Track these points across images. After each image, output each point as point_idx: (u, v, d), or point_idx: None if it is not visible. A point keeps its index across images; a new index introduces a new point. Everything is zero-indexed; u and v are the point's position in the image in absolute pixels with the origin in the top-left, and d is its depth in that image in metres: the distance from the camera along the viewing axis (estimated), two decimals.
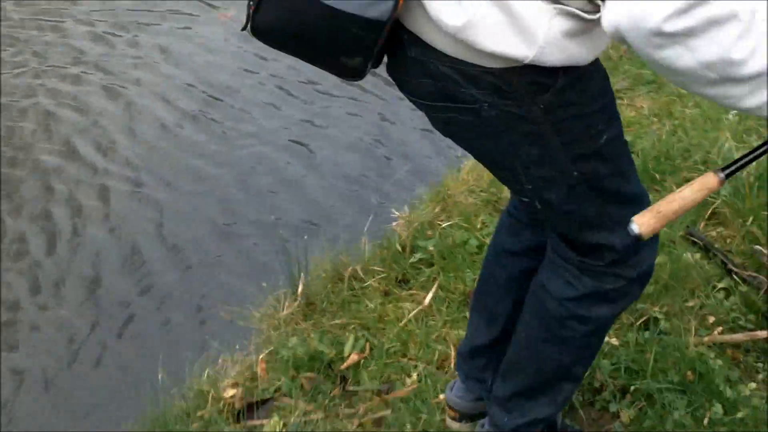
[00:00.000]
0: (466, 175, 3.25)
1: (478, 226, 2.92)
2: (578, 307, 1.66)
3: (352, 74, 1.44)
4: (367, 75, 1.45)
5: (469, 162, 3.34)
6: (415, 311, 2.60)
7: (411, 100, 1.54)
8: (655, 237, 1.64)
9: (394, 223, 3.10)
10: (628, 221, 1.51)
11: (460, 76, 1.38)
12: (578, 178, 1.48)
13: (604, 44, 1.40)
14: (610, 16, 1.18)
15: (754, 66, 1.18)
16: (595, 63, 1.44)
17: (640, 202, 1.57)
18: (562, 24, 1.29)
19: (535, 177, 1.50)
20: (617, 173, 1.54)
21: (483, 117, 1.41)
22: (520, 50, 1.30)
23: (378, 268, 2.82)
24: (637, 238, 1.28)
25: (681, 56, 1.16)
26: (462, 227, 2.93)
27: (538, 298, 1.74)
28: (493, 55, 1.32)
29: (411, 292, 2.72)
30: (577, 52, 1.34)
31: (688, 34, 1.13)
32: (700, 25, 1.13)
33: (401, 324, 2.56)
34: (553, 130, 1.42)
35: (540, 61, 1.31)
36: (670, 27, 1.12)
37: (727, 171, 1.26)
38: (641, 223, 1.22)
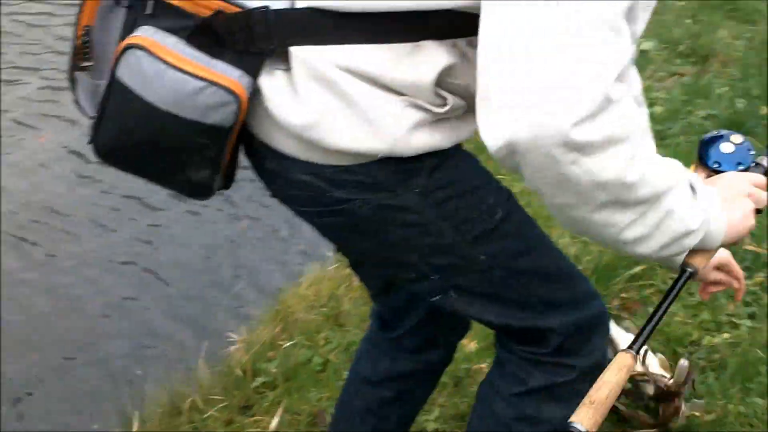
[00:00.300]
0: (306, 290, 3.23)
1: (322, 343, 2.89)
2: (527, 404, 1.56)
3: (200, 191, 1.39)
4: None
5: (308, 277, 3.32)
6: None
7: (293, 211, 1.49)
8: (603, 322, 1.57)
9: (232, 347, 3.02)
10: (560, 299, 1.48)
11: (320, 180, 1.34)
12: (487, 261, 1.42)
13: (467, 132, 1.36)
14: (502, 131, 1.09)
15: (643, 191, 1.16)
16: (458, 146, 1.38)
17: (571, 277, 1.53)
18: (413, 116, 1.27)
19: (440, 267, 1.42)
20: (532, 248, 1.48)
21: (361, 216, 1.36)
22: (372, 145, 1.27)
23: (218, 396, 2.72)
24: None
25: (578, 175, 1.10)
26: (305, 345, 2.90)
27: (485, 400, 1.66)
28: (346, 153, 1.29)
29: (255, 418, 2.62)
30: (433, 141, 1.31)
31: (588, 150, 1.08)
32: (600, 141, 1.08)
33: None
34: (438, 214, 1.37)
35: (394, 153, 1.29)
36: (578, 135, 1.06)
37: (635, 347, 1.26)
38: (582, 420, 1.16)
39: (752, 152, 1.44)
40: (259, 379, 2.77)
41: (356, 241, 1.47)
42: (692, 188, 1.26)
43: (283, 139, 1.33)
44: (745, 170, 1.42)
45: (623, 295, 2.87)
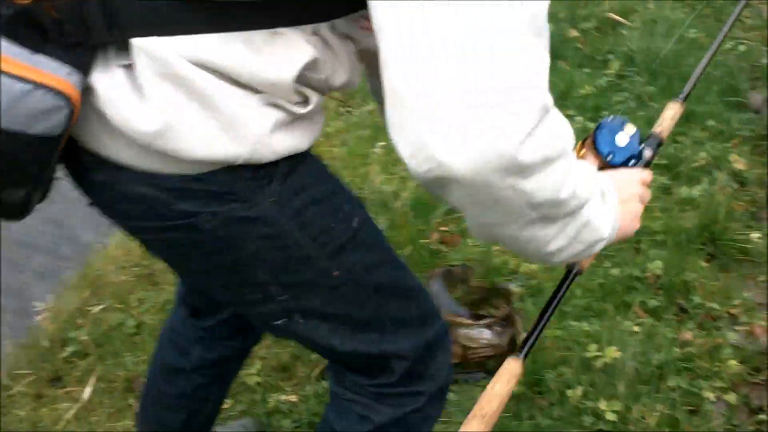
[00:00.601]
0: (115, 250, 3.14)
1: (135, 305, 2.83)
2: None
3: (14, 212, 1.20)
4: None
5: (117, 237, 3.23)
6: (73, 410, 2.47)
7: (121, 227, 1.35)
8: (447, 339, 1.52)
9: (38, 317, 2.92)
10: (410, 317, 1.42)
11: (162, 192, 1.20)
12: (341, 277, 1.33)
13: (319, 130, 1.28)
14: (437, 155, 0.97)
15: (571, 204, 1.12)
16: (310, 148, 1.30)
17: (419, 294, 1.47)
18: (273, 116, 1.16)
19: (290, 284, 1.32)
20: (385, 261, 1.41)
21: (206, 230, 1.22)
22: (231, 151, 1.15)
23: (25, 371, 2.63)
24: None
25: (513, 198, 1.03)
26: (116, 309, 2.83)
27: None
28: (198, 161, 1.16)
29: (67, 389, 2.56)
30: (294, 143, 1.21)
31: (527, 172, 1.01)
32: (539, 161, 1.01)
33: (59, 428, 2.41)
34: (295, 224, 1.26)
35: (255, 159, 1.17)
36: (522, 155, 0.98)
37: (524, 351, 1.26)
38: None
39: (641, 144, 1.45)
40: (69, 349, 2.69)
41: (198, 260, 1.32)
42: (602, 194, 1.25)
43: (120, 148, 1.18)
44: (635, 164, 1.43)
45: (442, 228, 2.94)
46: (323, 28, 1.18)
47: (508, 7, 0.95)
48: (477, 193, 1.02)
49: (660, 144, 1.49)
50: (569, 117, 3.20)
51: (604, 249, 2.45)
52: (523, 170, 1.00)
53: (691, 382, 2.27)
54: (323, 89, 1.23)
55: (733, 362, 2.33)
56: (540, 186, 1.04)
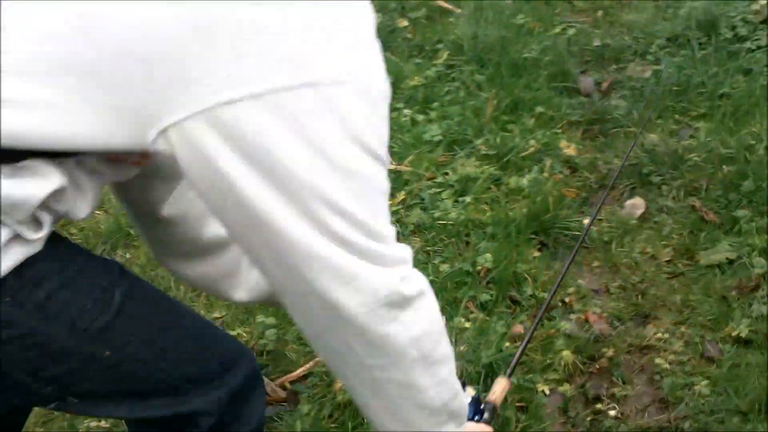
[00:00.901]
0: None
1: None
2: None
3: None
4: None
5: None
6: None
7: None
8: (257, 377, 1.47)
9: None
10: (208, 370, 1.36)
11: None
12: (115, 356, 1.24)
13: (54, 225, 1.20)
14: (342, 300, 1.13)
15: (443, 343, 1.25)
16: None
17: (216, 342, 1.41)
18: (2, 236, 1.10)
19: (54, 377, 1.22)
20: (166, 326, 1.33)
21: None
22: None
23: None
24: None
25: (398, 332, 1.17)
26: None
27: None
28: None
29: None
30: (25, 252, 1.13)
31: (405, 304, 1.16)
32: (415, 294, 1.17)
33: None
34: (41, 319, 1.16)
35: None
36: (405, 288, 1.15)
37: None
38: None
39: (481, 405, 1.60)
40: None
41: None
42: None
43: None
44: (479, 420, 1.58)
45: None
46: (69, 162, 1.13)
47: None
48: (364, 328, 1.14)
49: (495, 410, 1.64)
50: (397, 110, 3.18)
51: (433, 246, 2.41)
52: (403, 301, 1.15)
53: (524, 377, 2.25)
54: (61, 217, 1.18)
55: (566, 353, 2.33)
56: (417, 316, 1.17)
